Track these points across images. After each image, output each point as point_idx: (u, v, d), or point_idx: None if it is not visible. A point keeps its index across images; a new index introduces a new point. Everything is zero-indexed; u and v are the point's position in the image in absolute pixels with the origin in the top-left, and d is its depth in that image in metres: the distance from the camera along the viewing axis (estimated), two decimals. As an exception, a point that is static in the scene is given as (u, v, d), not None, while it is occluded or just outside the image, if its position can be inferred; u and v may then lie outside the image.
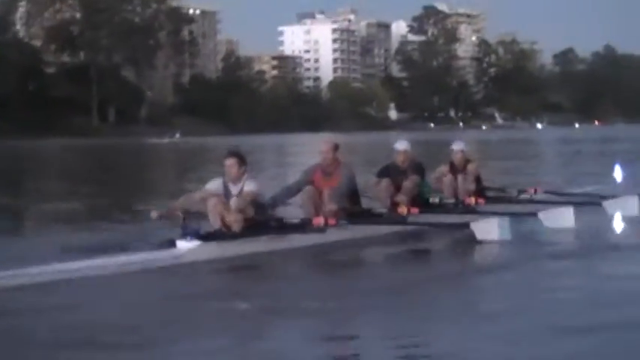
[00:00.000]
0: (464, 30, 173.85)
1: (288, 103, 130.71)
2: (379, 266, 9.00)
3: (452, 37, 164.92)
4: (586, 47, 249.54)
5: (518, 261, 8.70)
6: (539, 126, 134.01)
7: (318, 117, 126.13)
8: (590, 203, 11.71)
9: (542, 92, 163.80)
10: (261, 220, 9.04)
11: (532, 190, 12.31)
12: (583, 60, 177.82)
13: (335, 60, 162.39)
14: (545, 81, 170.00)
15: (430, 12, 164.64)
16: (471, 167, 11.94)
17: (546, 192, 12.54)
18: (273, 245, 9.02)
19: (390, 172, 10.89)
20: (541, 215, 10.24)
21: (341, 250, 9.20)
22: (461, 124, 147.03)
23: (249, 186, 9.02)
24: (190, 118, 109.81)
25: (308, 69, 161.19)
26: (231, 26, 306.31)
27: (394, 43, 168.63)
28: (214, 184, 9.15)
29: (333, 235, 9.30)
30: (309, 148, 44.34)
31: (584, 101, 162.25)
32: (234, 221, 8.80)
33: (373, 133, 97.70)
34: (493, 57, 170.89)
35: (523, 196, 12.26)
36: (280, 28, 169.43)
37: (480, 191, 11.85)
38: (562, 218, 10.20)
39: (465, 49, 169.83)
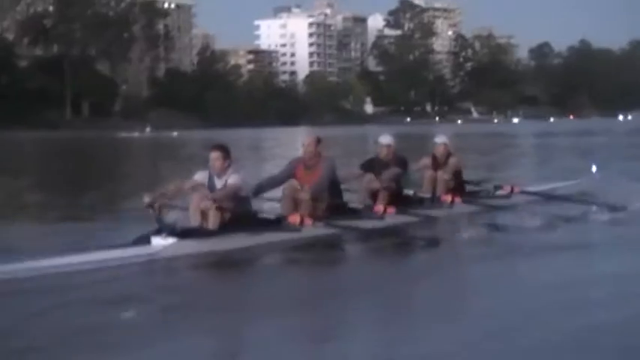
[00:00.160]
0: (440, 24, 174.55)
1: (264, 96, 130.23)
2: (351, 263, 8.92)
3: (428, 31, 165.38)
4: (562, 42, 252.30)
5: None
6: (515, 120, 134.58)
7: (295, 111, 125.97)
8: (565, 201, 11.90)
9: (518, 86, 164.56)
10: (239, 213, 8.97)
11: (509, 188, 12.16)
12: (559, 54, 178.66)
13: (311, 54, 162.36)
14: (521, 75, 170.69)
15: (406, 6, 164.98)
16: (452, 161, 11.88)
17: (522, 192, 12.34)
18: (249, 241, 8.93)
19: (374, 165, 10.94)
20: None
21: (317, 247, 9.03)
22: (437, 118, 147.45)
23: (233, 179, 9.02)
24: (165, 112, 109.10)
25: (284, 63, 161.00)
26: (207, 20, 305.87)
27: (370, 37, 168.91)
28: (201, 176, 9.16)
29: (310, 232, 9.22)
30: (285, 142, 44.30)
31: (560, 95, 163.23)
32: (213, 216, 8.75)
33: (350, 126, 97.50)
34: (469, 51, 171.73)
35: (499, 192, 12.17)
36: (256, 22, 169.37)
37: (458, 185, 11.78)
38: None
39: (442, 43, 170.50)
